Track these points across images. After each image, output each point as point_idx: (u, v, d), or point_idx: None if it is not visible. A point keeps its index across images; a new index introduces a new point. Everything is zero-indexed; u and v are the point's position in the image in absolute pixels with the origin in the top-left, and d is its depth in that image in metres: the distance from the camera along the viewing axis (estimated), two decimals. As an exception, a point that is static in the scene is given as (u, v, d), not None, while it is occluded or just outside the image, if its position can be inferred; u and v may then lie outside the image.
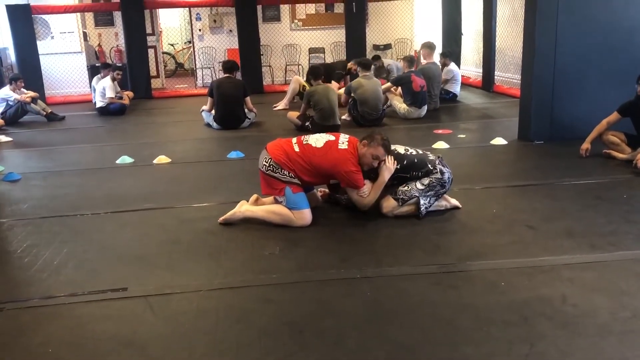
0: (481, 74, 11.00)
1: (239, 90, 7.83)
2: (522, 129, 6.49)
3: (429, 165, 3.98)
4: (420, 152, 4.13)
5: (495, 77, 10.76)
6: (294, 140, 4.03)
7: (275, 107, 9.45)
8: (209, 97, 7.92)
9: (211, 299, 2.91)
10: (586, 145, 5.48)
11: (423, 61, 9.14)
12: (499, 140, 6.34)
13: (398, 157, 3.99)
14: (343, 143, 3.92)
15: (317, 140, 3.96)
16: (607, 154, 5.46)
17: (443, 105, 8.94)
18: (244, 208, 4.00)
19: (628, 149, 5.35)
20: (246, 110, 7.93)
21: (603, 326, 2.52)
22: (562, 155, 5.62)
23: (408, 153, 4.06)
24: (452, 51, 10.66)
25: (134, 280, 3.16)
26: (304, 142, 3.97)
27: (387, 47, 13.64)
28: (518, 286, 2.93)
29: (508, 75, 10.62)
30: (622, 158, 5.31)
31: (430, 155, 4.12)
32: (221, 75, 8.45)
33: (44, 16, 11.42)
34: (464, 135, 6.87)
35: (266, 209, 3.98)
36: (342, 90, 8.31)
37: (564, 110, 6.19)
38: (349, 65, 9.96)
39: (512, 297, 2.81)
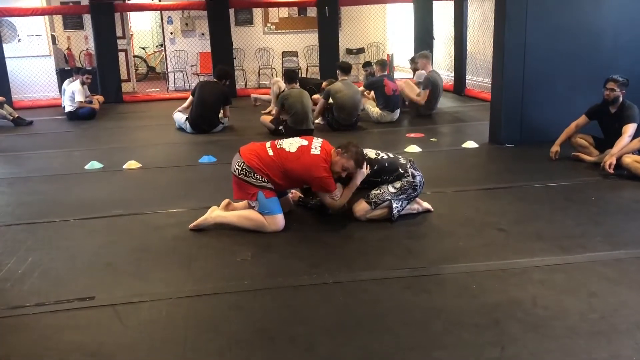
0: (453, 78, 11.11)
1: (218, 97, 7.76)
2: (492, 132, 6.56)
3: (400, 169, 3.99)
4: (392, 156, 4.14)
5: (467, 81, 10.88)
6: (268, 144, 3.99)
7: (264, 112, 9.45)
8: (191, 96, 7.91)
9: (181, 307, 2.86)
10: (555, 148, 5.56)
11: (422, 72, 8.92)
12: (470, 144, 6.40)
13: (369, 161, 3.98)
14: (316, 148, 3.89)
15: (291, 144, 3.93)
16: (575, 156, 5.54)
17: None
18: (215, 214, 3.95)
19: (596, 151, 5.44)
20: (220, 115, 7.88)
21: (572, 328, 2.54)
22: (532, 158, 5.70)
23: (379, 157, 4.06)
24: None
25: (101, 288, 3.09)
26: (277, 147, 3.93)
27: (360, 51, 13.68)
28: (489, 289, 2.95)
29: (479, 79, 10.76)
30: (590, 160, 5.40)
31: (402, 159, 4.13)
32: (201, 78, 8.37)
33: (10, 18, 11.17)
34: (435, 139, 6.92)
35: (238, 214, 3.93)
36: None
37: (533, 114, 6.27)
38: (324, 84, 9.98)
39: (483, 300, 2.82)
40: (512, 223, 3.92)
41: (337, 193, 3.91)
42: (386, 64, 8.50)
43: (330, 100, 7.66)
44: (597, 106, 5.37)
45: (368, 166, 3.95)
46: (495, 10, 6.29)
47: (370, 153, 4.07)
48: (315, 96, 8.50)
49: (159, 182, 5.35)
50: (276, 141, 4.02)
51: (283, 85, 8.94)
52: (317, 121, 7.81)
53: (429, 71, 8.62)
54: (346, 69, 7.93)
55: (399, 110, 8.17)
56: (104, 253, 3.60)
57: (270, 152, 3.88)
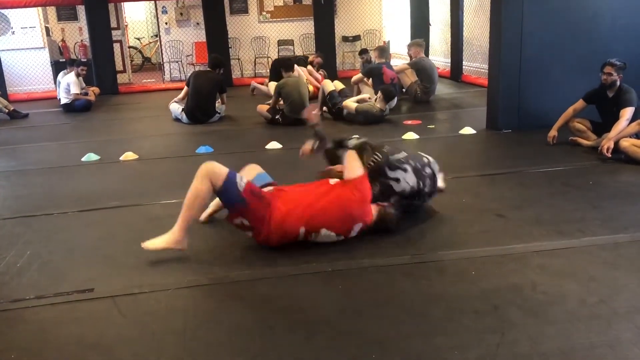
0: (449, 64, 11.07)
1: (214, 86, 7.74)
2: (490, 118, 6.54)
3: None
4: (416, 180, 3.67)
5: (464, 66, 10.84)
6: (302, 231, 3.30)
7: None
8: (186, 86, 7.88)
9: (180, 298, 2.86)
10: (553, 132, 5.55)
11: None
12: (467, 130, 6.38)
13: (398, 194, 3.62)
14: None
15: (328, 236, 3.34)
16: (573, 141, 5.54)
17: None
18: None
19: (593, 135, 5.43)
20: (217, 103, 7.85)
21: (572, 312, 2.54)
22: (530, 144, 5.69)
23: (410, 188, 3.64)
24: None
25: (100, 280, 3.08)
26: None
27: (356, 38, 13.62)
28: (489, 275, 2.94)
29: (476, 64, 10.71)
30: (588, 145, 5.40)
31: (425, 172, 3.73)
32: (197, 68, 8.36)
33: (3, 10, 11.10)
34: (433, 126, 6.90)
35: None
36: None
37: (531, 99, 6.25)
38: (311, 58, 9.92)
39: (482, 286, 2.82)
40: (510, 208, 3.91)
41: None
42: (385, 51, 8.44)
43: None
44: (595, 90, 5.36)
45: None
46: (491, -5, 6.26)
47: (406, 185, 3.61)
48: (310, 67, 9.08)
49: (156, 173, 5.34)
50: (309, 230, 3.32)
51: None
52: (313, 112, 7.71)
53: (419, 57, 8.69)
54: (390, 97, 7.42)
55: (396, 99, 8.11)
56: (102, 245, 3.59)
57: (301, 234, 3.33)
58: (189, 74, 8.39)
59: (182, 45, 12.96)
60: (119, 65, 12.36)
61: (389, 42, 13.73)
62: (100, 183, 5.04)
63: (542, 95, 6.22)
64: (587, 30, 6.16)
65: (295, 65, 8.06)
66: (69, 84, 9.02)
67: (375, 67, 8.11)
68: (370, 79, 8.19)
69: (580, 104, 5.46)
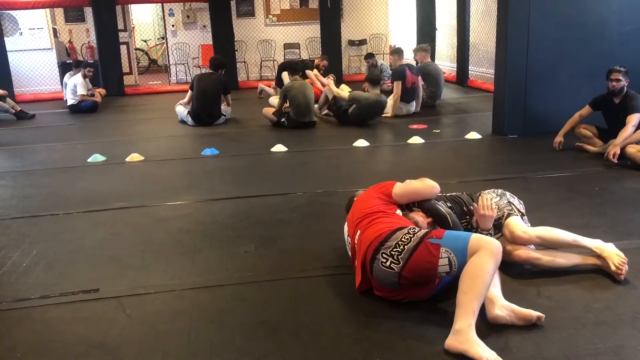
0: (455, 69, 11.07)
1: (217, 87, 7.78)
2: (496, 123, 6.54)
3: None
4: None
5: (469, 71, 10.84)
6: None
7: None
8: (190, 90, 7.92)
9: (185, 299, 2.86)
10: (559, 138, 5.55)
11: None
12: (473, 135, 6.38)
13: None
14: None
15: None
16: (579, 147, 5.53)
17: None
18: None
19: (599, 142, 5.42)
20: (222, 106, 7.88)
21: (576, 318, 2.54)
22: (535, 149, 5.68)
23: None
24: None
25: (106, 281, 3.09)
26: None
27: (362, 42, 13.63)
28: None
29: (482, 69, 10.71)
30: (594, 151, 5.39)
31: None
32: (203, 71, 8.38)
33: (11, 12, 11.16)
34: (438, 130, 6.90)
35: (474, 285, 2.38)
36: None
37: (537, 105, 6.25)
38: (317, 61, 9.95)
39: (487, 291, 2.81)
40: (515, 214, 3.90)
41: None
42: (402, 52, 8.44)
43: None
44: (601, 97, 5.35)
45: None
46: (498, 0, 6.26)
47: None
48: (315, 72, 9.04)
49: (162, 174, 5.35)
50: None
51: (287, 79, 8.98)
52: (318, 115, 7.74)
53: (428, 61, 8.67)
54: (374, 80, 7.63)
55: (414, 103, 7.99)
56: (108, 245, 3.61)
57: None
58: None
59: (189, 47, 12.99)
60: (125, 67, 12.41)
61: (394, 46, 13.74)
62: (106, 184, 5.06)
63: (548, 101, 6.22)
64: (594, 36, 6.15)
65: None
66: (76, 85, 9.06)
67: (400, 69, 7.93)
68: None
69: (586, 110, 5.45)
